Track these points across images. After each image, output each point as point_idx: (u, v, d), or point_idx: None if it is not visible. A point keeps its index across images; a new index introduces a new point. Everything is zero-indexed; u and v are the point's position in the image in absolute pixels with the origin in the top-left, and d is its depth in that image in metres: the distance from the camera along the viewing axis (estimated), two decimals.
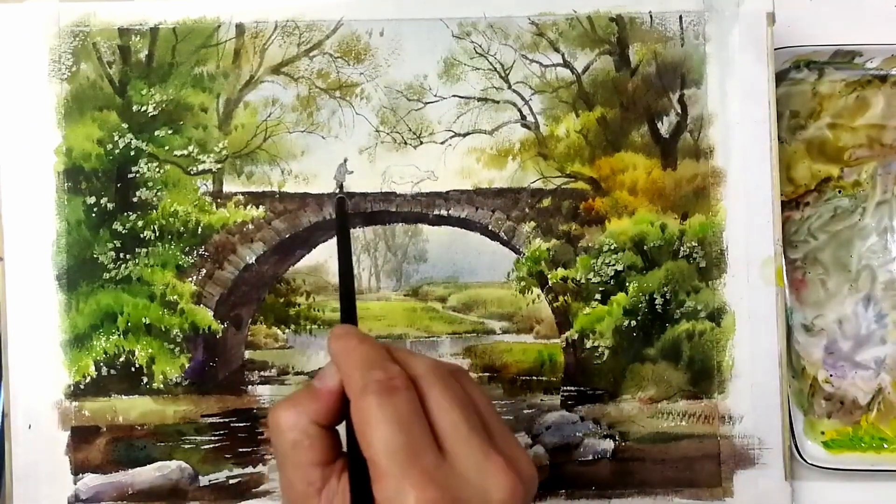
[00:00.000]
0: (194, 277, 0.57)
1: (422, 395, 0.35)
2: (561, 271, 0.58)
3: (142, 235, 0.57)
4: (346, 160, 0.58)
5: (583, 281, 0.57)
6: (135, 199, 0.57)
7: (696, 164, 0.57)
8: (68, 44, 0.57)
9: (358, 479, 0.34)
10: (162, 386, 0.57)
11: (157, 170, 0.57)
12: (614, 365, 0.57)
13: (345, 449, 0.37)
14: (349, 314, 0.43)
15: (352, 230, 0.58)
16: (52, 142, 0.56)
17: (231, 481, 0.56)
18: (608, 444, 0.56)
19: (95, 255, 0.56)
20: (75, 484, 0.55)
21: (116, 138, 0.57)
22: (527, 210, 0.58)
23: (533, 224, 0.58)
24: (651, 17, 0.58)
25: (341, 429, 0.37)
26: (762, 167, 0.56)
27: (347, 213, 0.56)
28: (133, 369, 0.57)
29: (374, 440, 0.33)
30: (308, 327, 0.58)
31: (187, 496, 0.56)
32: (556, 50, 0.58)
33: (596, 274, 0.57)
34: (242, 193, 0.58)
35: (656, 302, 0.57)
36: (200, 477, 0.56)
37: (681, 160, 0.57)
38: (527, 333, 0.58)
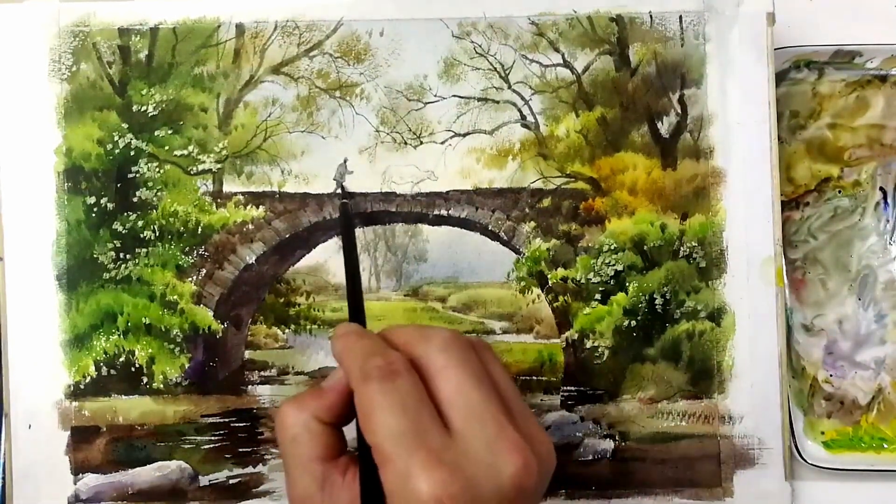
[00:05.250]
0: (194, 277, 0.57)
1: (432, 372, 0.34)
2: (561, 271, 0.58)
3: (142, 235, 0.57)
4: (346, 160, 0.57)
5: (583, 281, 0.57)
6: (135, 199, 0.57)
7: (696, 164, 0.57)
8: (68, 44, 0.57)
9: (366, 469, 0.34)
10: (162, 386, 0.57)
11: (157, 170, 0.57)
12: (614, 365, 0.57)
13: (352, 447, 0.37)
14: (356, 314, 0.44)
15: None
16: (52, 142, 0.56)
17: (231, 481, 0.56)
18: (608, 444, 0.56)
19: (95, 255, 0.56)
20: (75, 484, 0.55)
21: (116, 138, 0.57)
22: (527, 210, 0.58)
23: (533, 224, 0.58)
24: (651, 17, 0.58)
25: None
26: (762, 167, 0.56)
27: (351, 216, 0.56)
28: (133, 369, 0.56)
29: (377, 426, 0.33)
30: (308, 327, 0.58)
31: (187, 496, 0.56)
32: (556, 50, 0.58)
33: (596, 274, 0.57)
34: (242, 193, 0.58)
35: (656, 302, 0.57)
36: (200, 477, 0.56)
37: (681, 160, 0.57)
38: (527, 333, 0.58)
